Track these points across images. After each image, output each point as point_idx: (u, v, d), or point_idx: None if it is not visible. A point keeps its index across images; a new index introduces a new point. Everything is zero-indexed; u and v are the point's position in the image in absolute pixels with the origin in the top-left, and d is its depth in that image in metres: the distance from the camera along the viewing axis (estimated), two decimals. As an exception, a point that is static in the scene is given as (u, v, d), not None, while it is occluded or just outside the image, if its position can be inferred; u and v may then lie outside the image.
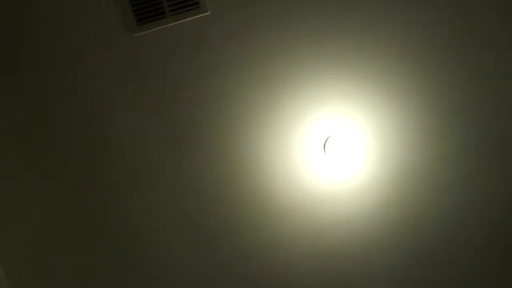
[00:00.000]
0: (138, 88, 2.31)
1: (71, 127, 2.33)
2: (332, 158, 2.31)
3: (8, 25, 2.24)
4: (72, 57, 2.26)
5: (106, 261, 2.49)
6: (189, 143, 2.37)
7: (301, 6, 2.25)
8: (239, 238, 2.50)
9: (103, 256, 2.49)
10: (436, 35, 2.30)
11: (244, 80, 2.32)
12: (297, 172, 2.42)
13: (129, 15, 2.22)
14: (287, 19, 2.26)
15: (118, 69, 2.28)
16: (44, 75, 2.28)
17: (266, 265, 2.54)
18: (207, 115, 2.35)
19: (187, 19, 2.22)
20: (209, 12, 2.22)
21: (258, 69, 2.31)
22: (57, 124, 2.33)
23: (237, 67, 2.30)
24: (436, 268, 2.58)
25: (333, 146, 2.30)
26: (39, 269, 2.50)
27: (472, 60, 2.33)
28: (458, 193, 2.46)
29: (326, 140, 2.38)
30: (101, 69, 2.28)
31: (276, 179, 2.43)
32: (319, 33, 2.28)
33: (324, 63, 2.31)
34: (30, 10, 2.24)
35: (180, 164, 2.39)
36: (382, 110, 2.36)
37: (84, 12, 2.23)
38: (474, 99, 2.36)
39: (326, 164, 2.42)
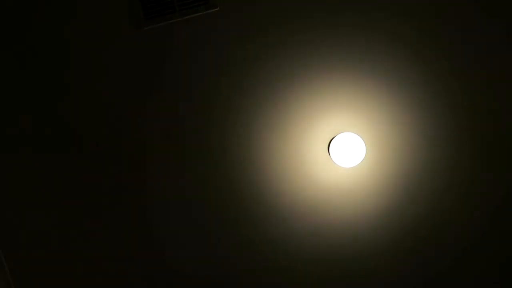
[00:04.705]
0: (144, 82, 2.31)
1: (76, 121, 2.34)
2: (336, 159, 2.32)
3: (13, 15, 2.23)
4: (79, 50, 2.25)
5: (108, 261, 2.53)
6: (192, 139, 2.38)
7: (309, 5, 2.24)
8: (239, 237, 2.52)
9: (102, 259, 2.53)
10: (442, 40, 2.29)
11: (250, 79, 2.32)
12: (301, 172, 2.43)
13: (137, 8, 2.21)
14: (295, 18, 2.25)
15: (124, 62, 2.28)
16: (50, 66, 2.27)
17: (265, 264, 2.57)
18: (212, 111, 2.35)
19: (196, 15, 2.21)
20: (218, 8, 2.21)
21: (265, 67, 2.30)
22: (62, 119, 2.34)
23: (244, 65, 2.29)
24: (438, 270, 2.60)
25: (337, 147, 2.30)
26: (40, 265, 2.54)
27: (476, 66, 2.32)
28: (459, 195, 2.48)
29: (331, 141, 2.39)
30: (107, 61, 2.27)
31: (280, 179, 2.44)
32: (327, 33, 2.27)
33: (330, 64, 2.30)
34: (36, 3, 2.22)
35: (185, 161, 2.41)
36: (386, 113, 2.37)
37: (92, 4, 2.22)
38: (476, 104, 2.36)
39: (330, 165, 2.43)
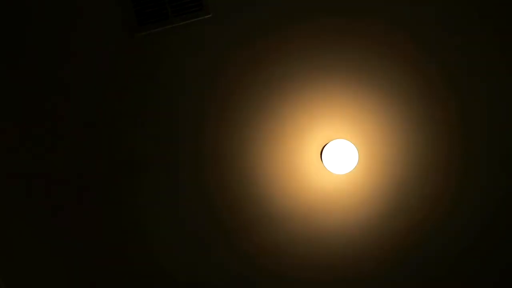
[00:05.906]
0: (138, 88, 2.32)
1: (67, 128, 2.35)
2: (328, 165, 2.32)
3: (7, 24, 2.24)
4: (72, 56, 2.26)
5: (106, 261, 2.57)
6: (187, 143, 2.39)
7: (303, 12, 2.22)
8: (233, 241, 2.54)
9: (101, 258, 2.56)
10: (438, 44, 2.27)
11: (243, 85, 2.31)
12: (293, 179, 2.44)
13: (130, 15, 2.21)
14: (288, 24, 2.24)
15: (117, 69, 2.28)
16: (42, 73, 2.28)
17: (259, 270, 2.59)
18: (205, 117, 2.36)
19: (189, 21, 2.21)
20: (210, 15, 2.20)
21: (258, 73, 2.30)
22: (53, 126, 2.35)
23: (237, 71, 2.29)
24: (438, 270, 2.61)
25: (330, 154, 2.30)
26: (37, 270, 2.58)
27: (475, 66, 2.30)
28: (454, 202, 2.47)
29: (323, 148, 2.39)
30: (101, 68, 2.28)
31: (273, 185, 2.45)
32: (320, 41, 2.26)
33: (323, 71, 2.30)
34: (29, 8, 2.23)
35: (179, 165, 2.42)
36: (379, 119, 2.36)
37: (85, 10, 2.22)
38: (470, 109, 2.34)
39: (323, 172, 2.43)
